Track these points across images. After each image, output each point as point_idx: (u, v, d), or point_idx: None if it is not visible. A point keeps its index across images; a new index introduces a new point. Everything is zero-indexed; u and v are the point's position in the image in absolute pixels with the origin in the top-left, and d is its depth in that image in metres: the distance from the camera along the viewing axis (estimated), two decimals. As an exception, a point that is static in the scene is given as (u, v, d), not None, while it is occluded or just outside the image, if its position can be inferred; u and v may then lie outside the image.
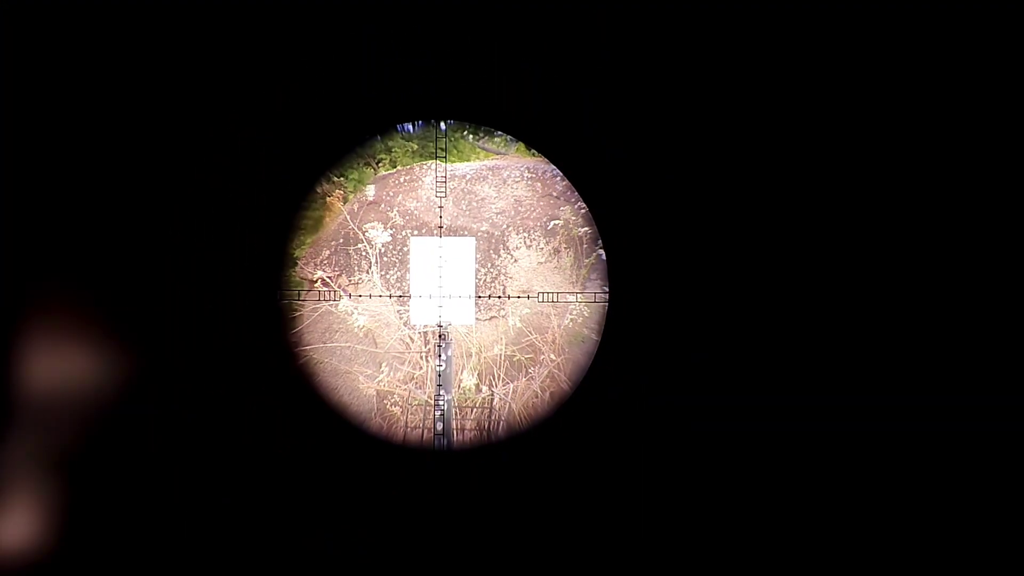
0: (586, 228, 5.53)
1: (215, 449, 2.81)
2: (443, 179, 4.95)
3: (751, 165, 2.78)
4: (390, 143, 5.58)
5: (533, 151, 6.08)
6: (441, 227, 4.90)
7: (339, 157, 2.99)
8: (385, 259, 5.59)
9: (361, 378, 5.46)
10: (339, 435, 2.94)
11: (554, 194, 5.66)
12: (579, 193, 3.00)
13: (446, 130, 5.25)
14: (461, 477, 2.95)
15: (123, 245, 2.77)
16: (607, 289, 5.63)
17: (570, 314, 5.46)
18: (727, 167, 2.79)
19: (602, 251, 5.60)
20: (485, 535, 2.83)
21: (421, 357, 5.49)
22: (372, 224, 5.67)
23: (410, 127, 5.68)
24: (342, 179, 5.43)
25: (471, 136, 5.69)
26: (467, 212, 5.63)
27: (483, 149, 5.86)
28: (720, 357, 2.83)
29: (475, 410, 5.43)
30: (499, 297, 5.40)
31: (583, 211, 5.59)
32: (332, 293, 5.41)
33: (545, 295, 5.36)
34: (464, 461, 3.05)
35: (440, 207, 5.01)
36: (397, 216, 5.66)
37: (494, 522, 2.84)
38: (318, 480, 2.82)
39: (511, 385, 5.48)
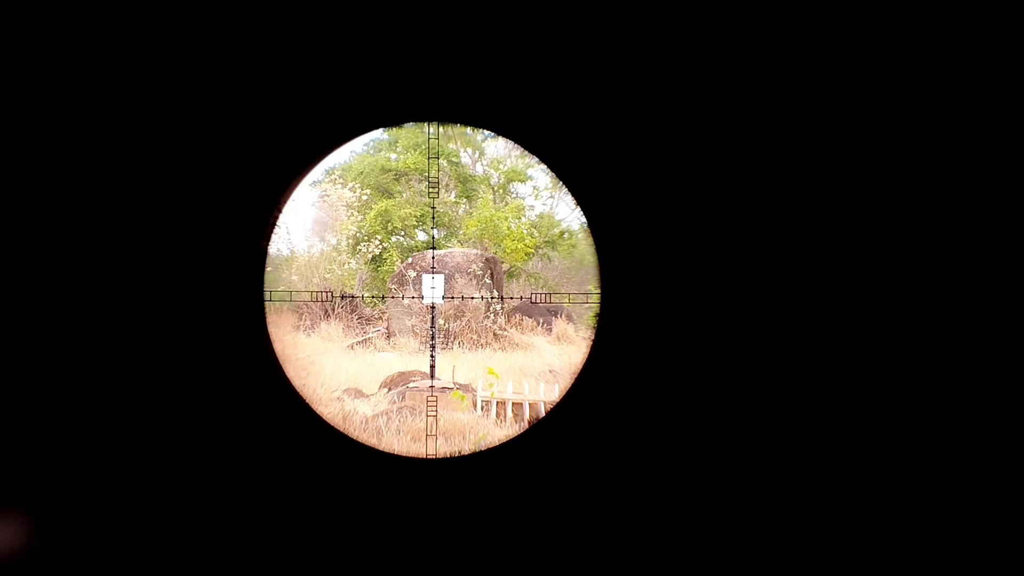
0: (481, 271, 16.93)
1: (198, 451, 2.79)
2: (432, 256, 16.27)
3: (745, 165, 2.73)
4: (414, 243, 17.28)
5: (464, 245, 18.01)
6: (433, 267, 16.08)
7: (318, 155, 3.01)
8: (414, 281, 16.96)
9: (406, 319, 16.63)
10: (321, 441, 2.93)
11: (471, 259, 17.12)
12: (570, 191, 2.99)
13: (430, 239, 16.85)
14: (449, 483, 2.92)
15: (103, 245, 2.71)
16: (591, 291, 17.86)
17: (475, 300, 16.74)
18: (722, 167, 2.74)
19: (487, 280, 16.94)
20: (475, 541, 2.84)
21: (427, 314, 16.71)
22: (409, 269, 17.05)
23: (424, 237, 17.64)
24: (400, 259, 16.97)
25: (441, 240, 17.26)
26: (440, 265, 17.01)
27: (446, 245, 17.46)
28: (715, 358, 2.78)
29: (442, 331, 16.53)
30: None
31: (480, 264, 17.02)
32: (397, 294, 16.70)
33: (539, 296, 16.72)
34: (452, 468, 2.99)
35: (432, 257, 16.28)
36: (417, 268, 17.07)
37: (486, 528, 2.85)
38: (302, 485, 2.85)
39: (455, 323, 16.67)
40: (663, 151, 2.80)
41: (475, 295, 16.46)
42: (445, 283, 16.13)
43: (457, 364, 13.79)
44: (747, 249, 2.78)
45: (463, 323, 16.39)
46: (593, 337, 3.01)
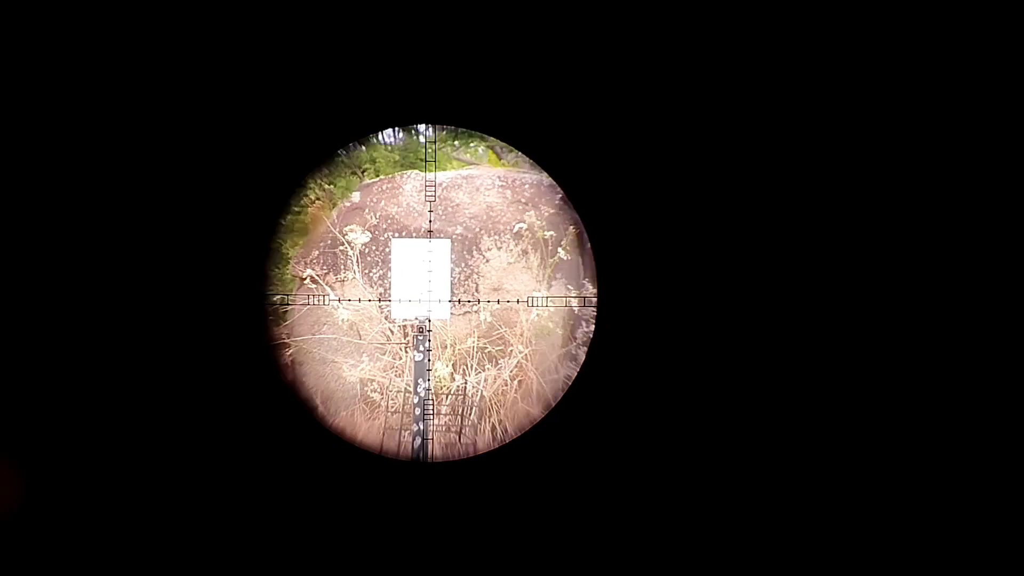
0: (551, 232, 6.15)
1: (195, 451, 2.81)
2: (432, 185, 5.43)
3: (741, 167, 2.81)
4: (374, 153, 6.10)
5: (504, 160, 6.71)
6: (431, 231, 5.38)
7: (325, 158, 3.01)
8: (368, 258, 6.11)
9: (345, 367, 5.95)
10: (322, 443, 2.94)
11: (523, 200, 6.28)
12: (566, 194, 2.99)
13: (428, 140, 5.81)
14: (443, 488, 2.92)
15: (105, 246, 2.78)
16: (582, 292, 6.28)
17: (536, 310, 6.08)
18: (718, 168, 2.82)
19: (562, 252, 6.23)
20: (473, 545, 2.86)
21: (401, 348, 6.02)
22: (351, 227, 6.18)
23: (392, 139, 6.23)
24: (331, 187, 5.89)
25: (448, 148, 6.25)
26: (443, 216, 6.19)
27: (458, 159, 6.44)
28: (711, 359, 2.84)
29: (449, 396, 5.97)
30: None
31: (548, 215, 6.22)
32: (321, 291, 5.89)
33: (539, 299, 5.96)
34: (446, 473, 3.02)
35: (430, 211, 5.49)
36: (377, 219, 6.19)
37: (484, 532, 2.86)
38: (300, 488, 2.84)
39: (483, 374, 6.06)
40: (663, 165, 2.86)
41: (538, 293, 6.00)
42: (456, 262, 5.99)
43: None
44: (742, 251, 2.84)
45: (505, 377, 5.89)
46: (589, 346, 3.05)
